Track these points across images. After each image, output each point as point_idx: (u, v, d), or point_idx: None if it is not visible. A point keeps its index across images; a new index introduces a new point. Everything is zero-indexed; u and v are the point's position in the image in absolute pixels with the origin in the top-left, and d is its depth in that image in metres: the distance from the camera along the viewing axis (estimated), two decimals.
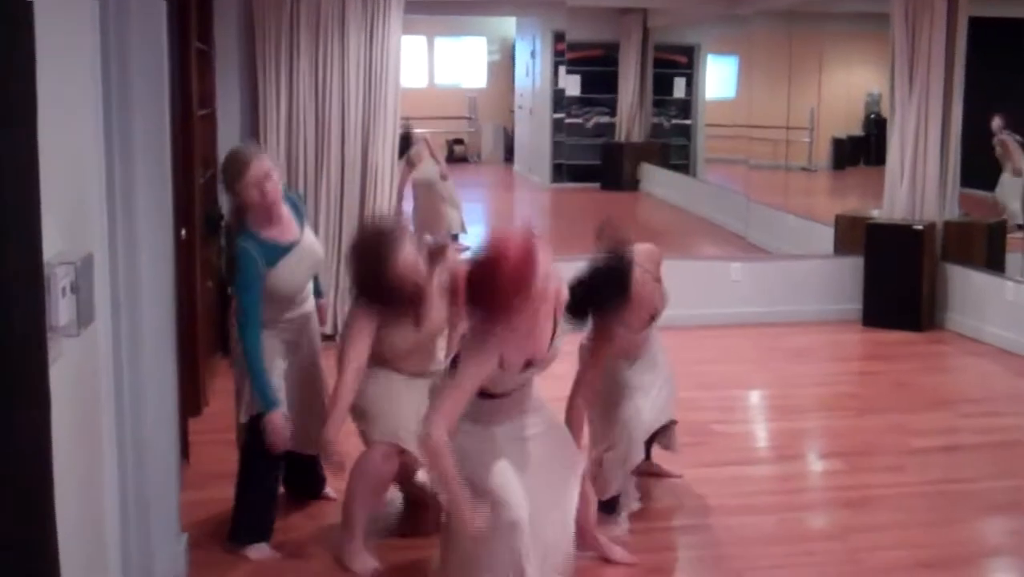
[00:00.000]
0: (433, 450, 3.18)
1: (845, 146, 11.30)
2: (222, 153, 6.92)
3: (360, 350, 3.91)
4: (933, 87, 7.75)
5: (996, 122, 8.54)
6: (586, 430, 4.17)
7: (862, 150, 10.81)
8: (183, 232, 5.26)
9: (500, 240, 3.12)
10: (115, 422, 3.04)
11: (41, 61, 1.77)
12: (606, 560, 4.01)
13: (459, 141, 16.02)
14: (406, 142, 8.88)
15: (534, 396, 3.56)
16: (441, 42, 16.68)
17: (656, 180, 12.84)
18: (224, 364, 6.53)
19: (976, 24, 8.24)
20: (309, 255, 4.17)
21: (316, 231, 7.07)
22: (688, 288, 7.59)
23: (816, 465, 5.30)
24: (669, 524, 4.45)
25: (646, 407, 4.39)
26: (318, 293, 4.50)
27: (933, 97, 7.76)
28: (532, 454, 3.50)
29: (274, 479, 4.27)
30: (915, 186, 7.93)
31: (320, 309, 4.53)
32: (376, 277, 3.80)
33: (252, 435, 4.13)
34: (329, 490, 4.64)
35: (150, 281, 3.53)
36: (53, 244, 2.22)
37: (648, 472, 4.75)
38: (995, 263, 7.81)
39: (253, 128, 7.16)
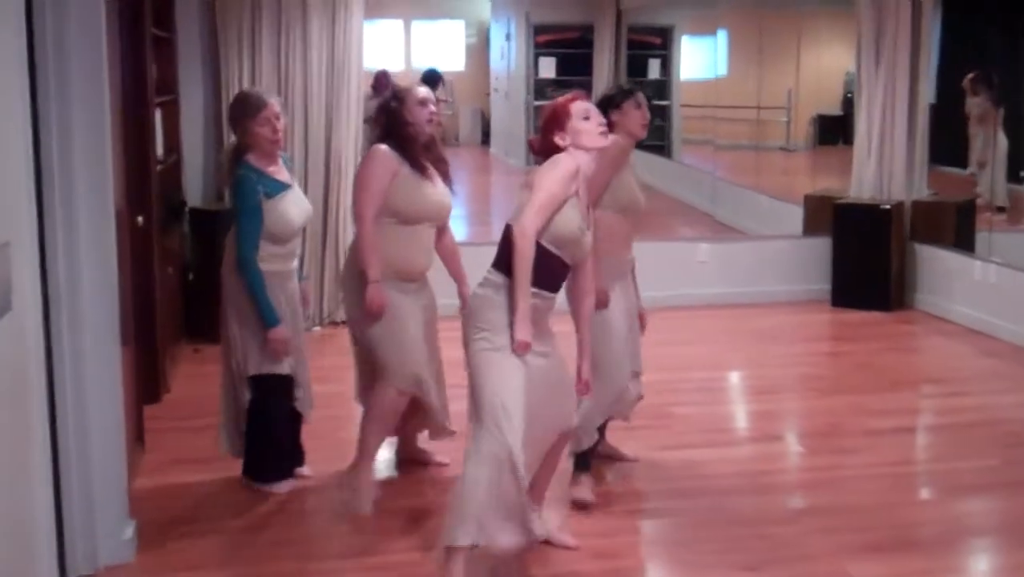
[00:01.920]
0: (523, 246, 3.49)
1: (825, 125, 11.30)
2: (186, 140, 6.98)
3: (376, 196, 4.24)
4: (900, 65, 7.74)
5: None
6: None
7: (840, 130, 10.80)
8: (140, 219, 5.23)
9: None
10: (50, 410, 3.03)
11: None
12: (548, 542, 3.97)
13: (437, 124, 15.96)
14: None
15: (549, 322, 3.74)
16: (418, 25, 16.60)
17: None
18: (187, 350, 6.55)
19: (950, 2, 8.26)
20: (302, 201, 4.48)
21: None
22: (654, 269, 7.58)
23: (774, 447, 5.28)
24: (622, 508, 4.43)
25: (627, 354, 4.43)
26: (300, 276, 4.62)
27: (900, 75, 7.76)
28: (540, 380, 3.63)
29: (282, 425, 4.51)
30: (883, 165, 7.93)
31: (303, 292, 4.64)
32: (398, 113, 4.27)
33: (261, 390, 4.39)
34: (305, 469, 4.69)
35: (90, 269, 3.52)
36: None
37: (603, 454, 4.75)
38: (964, 242, 7.81)
39: (216, 114, 7.12)
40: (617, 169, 4.37)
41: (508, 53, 14.09)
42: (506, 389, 3.52)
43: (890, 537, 4.13)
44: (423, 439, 4.85)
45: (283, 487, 4.50)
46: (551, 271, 3.66)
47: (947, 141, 8.62)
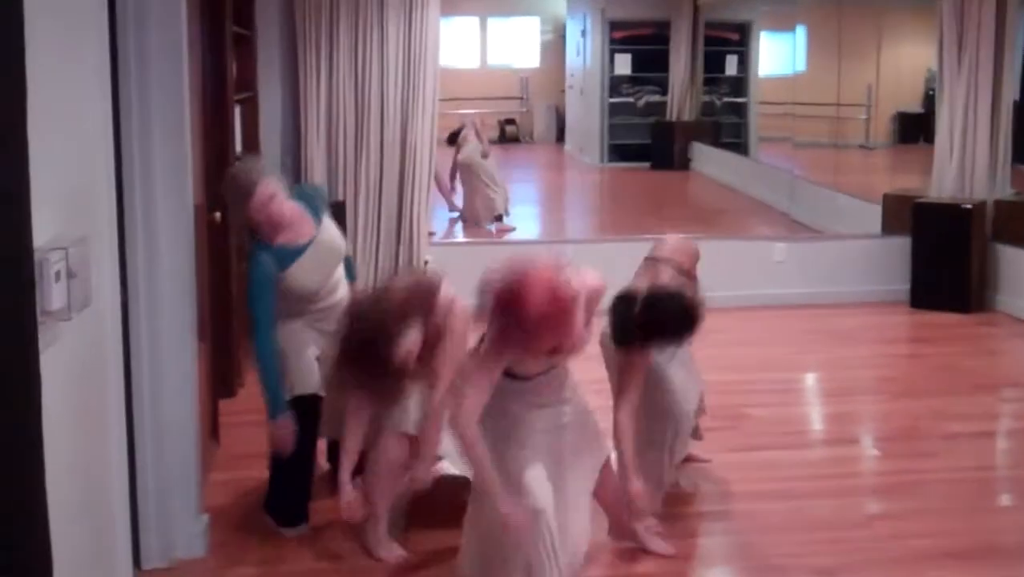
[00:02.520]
0: (468, 444, 3.27)
1: (906, 122, 11.11)
2: (264, 137, 7.06)
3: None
4: (983, 62, 7.58)
5: None
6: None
7: (921, 127, 10.61)
8: (217, 215, 5.30)
9: (525, 285, 3.08)
10: (126, 405, 3.08)
11: (37, 50, 1.78)
12: (644, 550, 3.98)
13: (511, 121, 15.97)
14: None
15: (568, 382, 3.55)
16: (494, 22, 16.62)
17: (707, 159, 12.70)
18: None
19: None
20: (327, 251, 4.16)
21: (356, 215, 7.13)
22: (731, 269, 7.53)
23: (850, 450, 5.20)
24: (694, 510, 4.42)
25: (686, 397, 4.35)
26: (351, 276, 4.50)
27: (983, 72, 7.59)
28: (565, 442, 3.51)
29: (305, 467, 4.25)
30: (964, 164, 7.77)
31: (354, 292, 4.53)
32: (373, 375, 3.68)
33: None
34: None
35: (169, 264, 3.58)
36: (46, 230, 2.25)
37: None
38: None
39: (294, 111, 7.20)
40: None
41: (583, 50, 14.04)
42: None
43: (969, 544, 4.05)
44: None
45: (291, 533, 4.16)
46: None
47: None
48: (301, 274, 4.04)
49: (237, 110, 6.20)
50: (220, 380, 5.21)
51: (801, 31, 11.27)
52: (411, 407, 3.95)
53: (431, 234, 7.83)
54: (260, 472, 4.64)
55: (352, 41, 7.09)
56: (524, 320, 3.07)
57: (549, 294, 3.07)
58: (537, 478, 3.37)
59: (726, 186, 12.13)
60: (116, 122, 3.24)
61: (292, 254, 4.03)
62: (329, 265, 4.18)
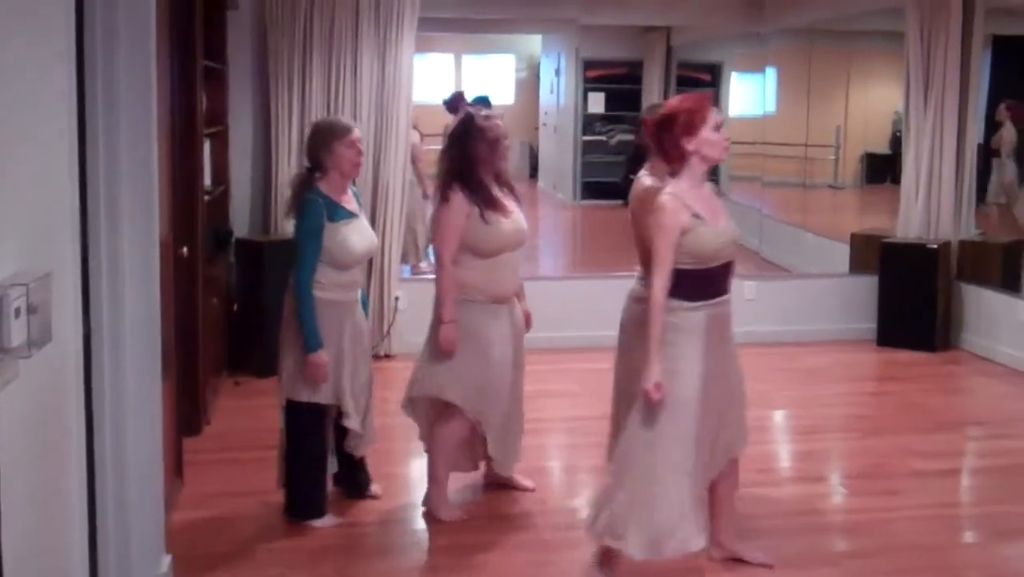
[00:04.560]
0: (653, 307, 3.66)
1: (874, 163, 11.21)
2: (234, 171, 7.06)
3: (452, 240, 4.41)
4: (948, 105, 7.69)
5: None
6: None
7: (889, 168, 10.73)
8: (185, 249, 5.29)
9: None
10: (87, 443, 3.05)
11: (2, 81, 1.78)
12: (738, 559, 4.12)
13: None
14: None
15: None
16: (469, 60, 16.71)
17: None
18: (229, 383, 6.59)
19: (1005, 42, 8.20)
20: (367, 233, 4.55)
21: None
22: None
23: (818, 487, 5.21)
24: None
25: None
26: (364, 307, 4.70)
27: (948, 115, 7.70)
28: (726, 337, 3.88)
29: (319, 455, 4.53)
30: (930, 205, 7.86)
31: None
32: (470, 152, 4.40)
33: (291, 417, 4.45)
34: (375, 488, 4.81)
35: (133, 299, 3.55)
36: (7, 265, 2.25)
37: None
38: (1011, 282, 7.70)
39: (266, 145, 7.22)
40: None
41: (558, 88, 14.13)
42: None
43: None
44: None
45: (324, 523, 4.50)
46: (711, 282, 3.78)
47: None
48: (344, 236, 4.37)
49: (207, 144, 6.21)
50: (185, 417, 5.17)
51: (771, 72, 11.39)
52: (485, 393, 4.45)
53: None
54: (226, 511, 4.64)
55: (325, 75, 7.11)
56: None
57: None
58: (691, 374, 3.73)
59: None
60: (82, 156, 3.24)
61: (343, 212, 4.41)
62: (366, 247, 4.53)
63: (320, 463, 4.54)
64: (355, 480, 4.78)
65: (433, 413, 4.66)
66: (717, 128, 3.73)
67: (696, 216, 3.71)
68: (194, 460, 5.08)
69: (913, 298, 7.74)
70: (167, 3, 4.53)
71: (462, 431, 4.60)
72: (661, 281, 3.67)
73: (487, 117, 4.52)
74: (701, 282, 3.74)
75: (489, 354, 4.48)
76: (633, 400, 3.86)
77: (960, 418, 6.35)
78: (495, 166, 4.50)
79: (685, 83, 13.13)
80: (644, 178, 4.49)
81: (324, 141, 4.41)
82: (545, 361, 6.32)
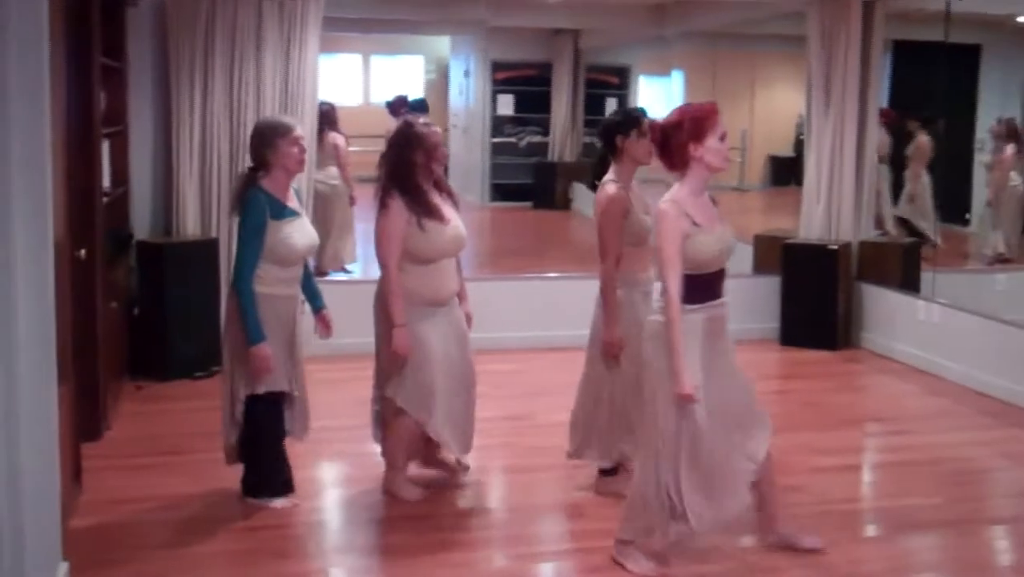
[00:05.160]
0: (671, 314, 3.75)
1: (778, 166, 11.42)
2: (134, 172, 6.91)
3: (395, 246, 4.52)
4: (848, 109, 7.85)
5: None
6: None
7: (792, 171, 10.93)
8: (82, 252, 5.17)
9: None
10: None
11: None
12: (791, 548, 4.24)
13: None
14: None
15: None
16: (377, 60, 16.64)
17: (588, 200, 12.81)
18: (130, 387, 6.46)
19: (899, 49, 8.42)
20: (309, 231, 4.65)
21: (230, 252, 6.98)
22: None
23: None
24: (587, 545, 4.45)
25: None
26: (321, 304, 4.84)
27: (848, 119, 7.86)
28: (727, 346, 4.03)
29: (279, 437, 4.69)
30: (831, 207, 8.02)
31: (326, 320, 4.84)
32: (408, 161, 4.52)
33: (253, 408, 4.55)
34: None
35: (26, 303, 3.46)
36: None
37: None
38: (910, 283, 7.90)
39: (167, 145, 7.07)
40: (621, 225, 4.64)
41: (467, 89, 14.15)
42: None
43: (837, 574, 4.13)
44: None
45: (279, 503, 4.64)
46: (709, 286, 3.90)
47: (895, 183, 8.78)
48: (286, 234, 4.46)
49: (106, 144, 6.07)
50: (84, 423, 5.05)
51: (678, 76, 11.56)
52: (430, 395, 4.59)
53: None
54: (125, 517, 4.55)
55: (228, 75, 7.00)
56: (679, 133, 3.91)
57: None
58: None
59: None
60: None
61: (287, 211, 4.51)
62: (308, 245, 4.64)
63: (278, 446, 4.70)
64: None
65: (388, 410, 4.76)
66: (722, 138, 3.85)
67: (695, 224, 3.83)
68: (93, 466, 4.96)
69: (815, 298, 7.89)
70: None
71: (416, 429, 4.72)
72: (675, 287, 3.77)
73: (425, 124, 4.64)
74: (699, 287, 3.85)
75: (431, 356, 4.60)
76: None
77: (860, 415, 6.48)
78: (433, 172, 4.63)
79: (594, 85, 13.26)
80: (608, 184, 4.69)
81: (268, 139, 4.49)
82: None
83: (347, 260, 9.27)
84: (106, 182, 6.07)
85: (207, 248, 6.92)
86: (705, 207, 3.94)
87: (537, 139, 13.46)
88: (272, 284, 4.48)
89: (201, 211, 7.05)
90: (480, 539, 4.49)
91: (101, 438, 5.50)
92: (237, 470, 4.74)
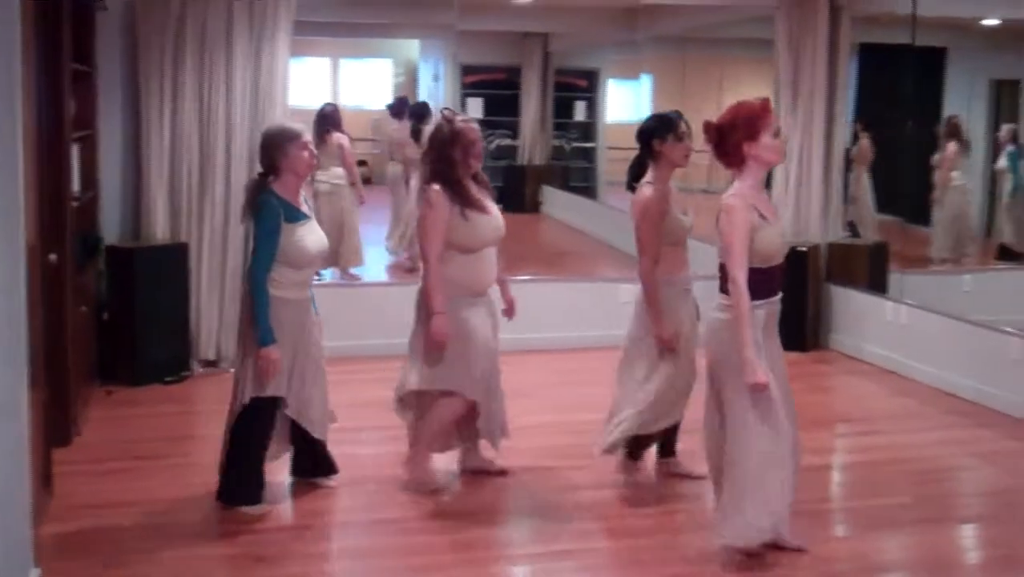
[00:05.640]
0: (742, 306, 3.87)
1: None
2: (104, 176, 6.87)
3: (438, 238, 4.64)
4: (816, 111, 7.93)
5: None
6: None
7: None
8: (52, 256, 5.13)
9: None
10: None
11: None
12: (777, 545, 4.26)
13: (363, 163, 15.93)
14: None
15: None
16: (346, 64, 16.60)
17: (557, 202, 12.92)
18: (100, 392, 6.42)
19: (871, 50, 8.49)
20: (320, 234, 4.74)
21: (200, 257, 6.99)
22: (578, 309, 7.63)
23: (690, 487, 5.28)
24: (546, 549, 4.47)
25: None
26: (314, 310, 4.83)
27: (816, 121, 7.94)
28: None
29: (263, 445, 4.70)
30: (799, 208, 8.09)
31: (317, 326, 4.85)
32: (450, 155, 4.64)
33: (250, 411, 4.57)
34: (331, 480, 4.98)
35: None
36: None
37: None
38: (877, 284, 7.98)
39: (136, 150, 7.03)
40: (660, 223, 4.83)
41: (436, 93, 14.13)
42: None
43: (805, 574, 4.17)
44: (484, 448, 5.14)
45: (256, 510, 4.64)
46: (770, 281, 4.02)
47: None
48: (299, 237, 4.55)
49: (75, 148, 6.04)
50: (54, 428, 5.01)
51: (647, 79, 11.62)
52: (477, 375, 4.71)
53: None
54: (97, 522, 4.53)
55: (197, 78, 6.97)
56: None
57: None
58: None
59: (575, 229, 12.33)
60: None
61: (299, 214, 4.61)
62: (320, 248, 4.70)
63: (262, 453, 4.70)
64: (316, 465, 4.96)
65: (421, 408, 4.91)
66: (776, 135, 3.96)
67: (762, 216, 3.93)
68: (64, 471, 4.94)
69: (784, 299, 7.91)
70: (33, 3, 4.39)
71: (461, 409, 4.85)
72: (743, 278, 3.87)
73: (464, 120, 4.79)
74: (763, 281, 3.97)
75: (475, 341, 4.75)
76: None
77: (830, 416, 6.54)
78: (472, 166, 4.76)
79: (563, 89, 13.28)
80: (646, 186, 4.90)
81: (278, 144, 4.59)
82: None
83: (352, 262, 9.28)
84: (75, 186, 6.04)
85: (177, 252, 6.89)
86: (766, 202, 4.08)
87: (507, 142, 13.46)
88: (286, 287, 4.56)
89: (171, 215, 7.01)
90: (460, 542, 4.49)
91: (71, 443, 5.47)
92: (208, 475, 4.72)
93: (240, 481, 4.66)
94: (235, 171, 7.03)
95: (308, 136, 4.67)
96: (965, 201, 8.67)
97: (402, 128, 10.81)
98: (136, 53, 6.96)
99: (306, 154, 4.62)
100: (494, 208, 4.86)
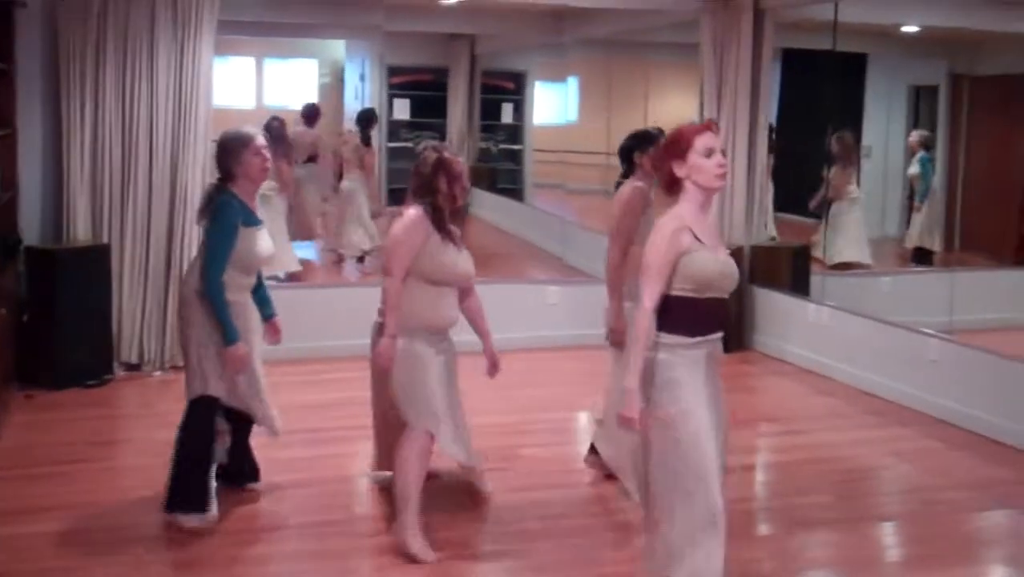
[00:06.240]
0: (639, 328, 3.49)
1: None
2: (23, 176, 6.74)
3: (408, 257, 4.42)
4: (740, 115, 8.04)
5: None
6: None
7: None
8: None
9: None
10: None
11: None
12: None
13: None
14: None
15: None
16: (270, 64, 16.43)
17: (484, 204, 12.93)
18: (19, 397, 6.30)
19: (794, 55, 8.63)
20: (269, 241, 4.74)
21: (123, 257, 6.90)
22: (505, 311, 7.63)
23: (610, 489, 5.32)
24: (469, 552, 4.49)
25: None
26: (271, 312, 4.90)
27: (740, 125, 8.05)
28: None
29: (208, 458, 4.60)
30: (723, 211, 8.19)
31: (276, 326, 4.91)
32: (436, 182, 4.46)
33: (191, 413, 4.57)
34: (258, 485, 4.97)
35: None
36: None
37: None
38: (800, 286, 8.12)
39: (57, 149, 6.91)
40: (639, 215, 4.88)
41: (362, 93, 14.06)
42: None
43: (731, 571, 4.21)
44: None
45: (196, 520, 4.50)
46: (707, 315, 3.59)
47: (783, 189, 8.99)
48: (253, 241, 4.56)
49: None
50: None
51: (573, 82, 11.67)
52: (437, 407, 4.47)
53: None
54: (17, 529, 4.45)
55: (120, 77, 6.87)
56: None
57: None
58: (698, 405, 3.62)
59: (503, 231, 12.36)
60: None
61: (253, 219, 4.62)
62: (268, 254, 4.70)
63: (209, 457, 4.63)
64: (241, 471, 4.92)
65: (391, 438, 4.68)
66: (708, 154, 3.56)
67: (697, 239, 3.55)
68: None
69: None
70: None
71: (426, 443, 4.51)
72: (651, 301, 3.49)
73: (453, 154, 4.66)
74: (700, 314, 3.56)
75: (430, 370, 4.50)
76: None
77: (753, 415, 6.62)
78: (454, 199, 4.57)
79: (490, 91, 13.30)
80: (629, 184, 5.06)
81: (233, 151, 4.58)
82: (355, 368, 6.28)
83: (290, 267, 9.34)
84: None
85: (98, 254, 6.78)
86: (711, 228, 3.70)
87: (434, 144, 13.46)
88: (232, 290, 4.53)
89: (92, 216, 6.90)
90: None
91: None
92: (134, 480, 4.67)
93: (187, 488, 4.55)
94: (157, 171, 6.95)
95: (261, 140, 4.66)
96: (860, 211, 8.76)
97: (310, 134, 10.92)
98: (56, 51, 6.84)
99: (260, 159, 4.61)
100: (464, 250, 4.64)
